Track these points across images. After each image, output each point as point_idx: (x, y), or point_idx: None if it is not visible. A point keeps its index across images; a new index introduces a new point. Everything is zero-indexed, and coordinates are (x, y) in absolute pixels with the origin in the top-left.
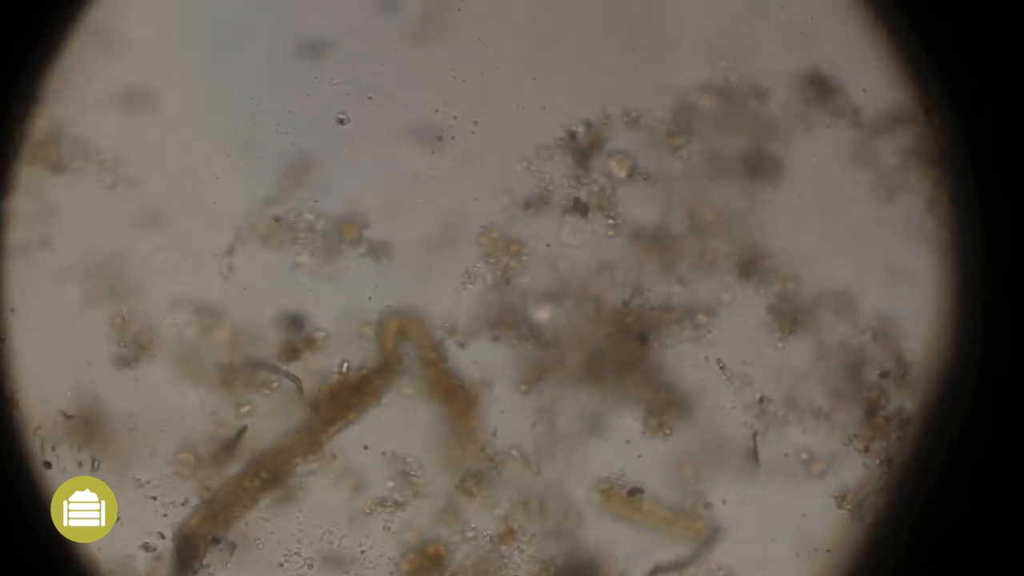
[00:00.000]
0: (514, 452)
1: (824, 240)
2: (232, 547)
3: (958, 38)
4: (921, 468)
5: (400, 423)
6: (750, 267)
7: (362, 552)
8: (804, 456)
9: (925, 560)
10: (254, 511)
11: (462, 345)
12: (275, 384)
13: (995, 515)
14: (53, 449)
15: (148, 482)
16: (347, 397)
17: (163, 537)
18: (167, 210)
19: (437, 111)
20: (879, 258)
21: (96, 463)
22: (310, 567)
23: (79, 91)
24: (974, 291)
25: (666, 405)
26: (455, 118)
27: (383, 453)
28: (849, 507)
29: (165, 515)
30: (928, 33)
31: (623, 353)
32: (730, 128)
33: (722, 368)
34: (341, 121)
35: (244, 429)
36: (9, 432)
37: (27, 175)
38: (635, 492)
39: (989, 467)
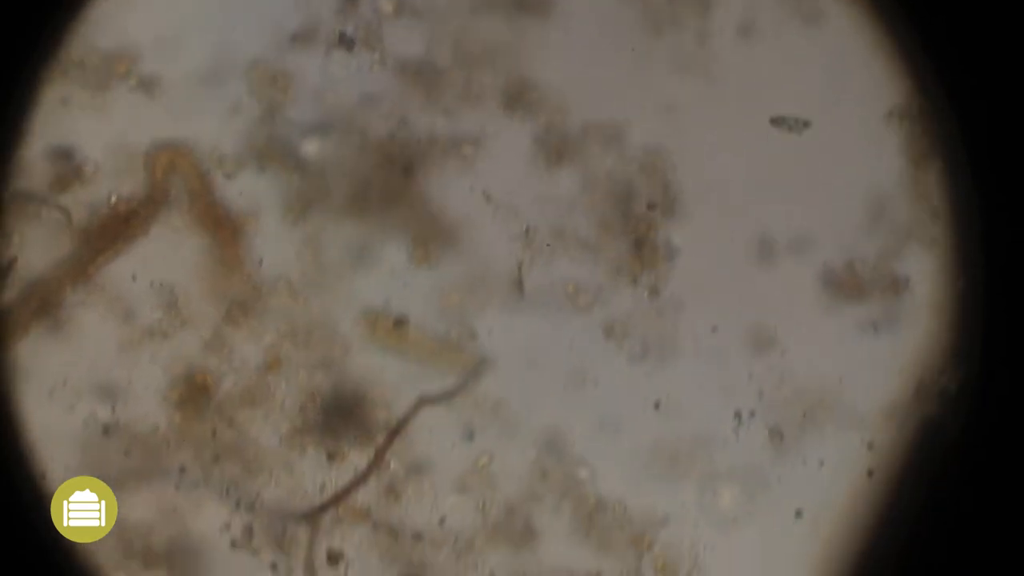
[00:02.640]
0: (280, 283)
1: (591, 73)
2: None
3: (957, 36)
4: (921, 470)
5: (168, 254)
6: (515, 99)
7: (130, 382)
8: (571, 287)
9: (926, 560)
10: (24, 341)
11: (229, 176)
12: (44, 215)
13: (995, 515)
14: None
15: None
16: (116, 228)
17: None
18: None
19: None
20: (647, 91)
21: None
22: (79, 397)
23: None
24: (974, 291)
25: (431, 235)
26: None
27: (151, 283)
28: (616, 339)
29: None
30: (927, 31)
31: (389, 184)
32: None
33: (487, 199)
34: None
35: (14, 260)
36: (9, 432)
37: None
38: (400, 322)
39: (989, 467)
